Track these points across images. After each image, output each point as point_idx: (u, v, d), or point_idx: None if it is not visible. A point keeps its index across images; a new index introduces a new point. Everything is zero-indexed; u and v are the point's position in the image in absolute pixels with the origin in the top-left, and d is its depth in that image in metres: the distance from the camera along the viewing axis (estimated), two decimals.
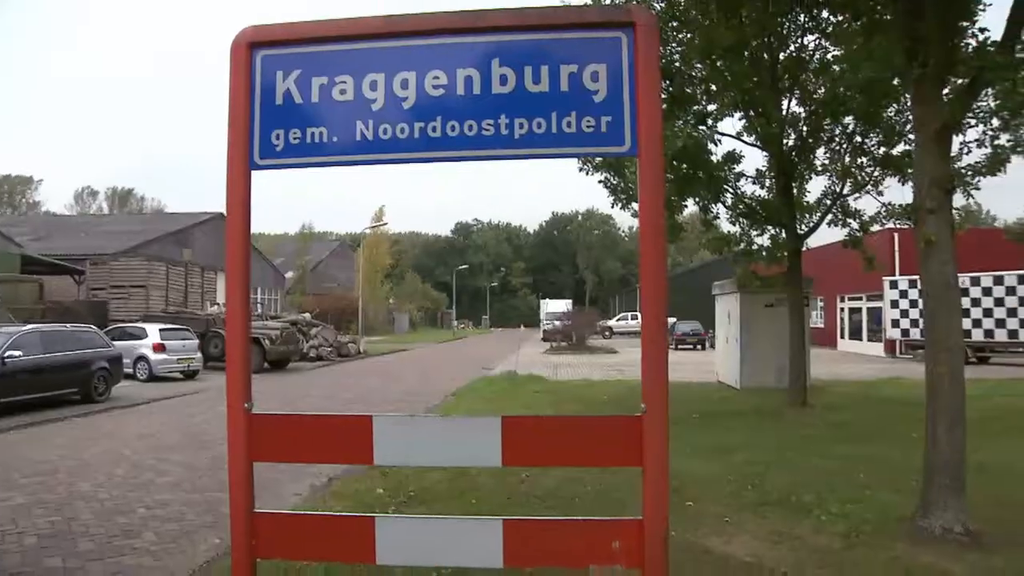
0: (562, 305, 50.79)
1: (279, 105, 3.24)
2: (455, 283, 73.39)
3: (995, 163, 8.26)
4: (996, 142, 9.72)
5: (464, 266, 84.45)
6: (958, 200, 11.77)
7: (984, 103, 10.94)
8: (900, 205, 13.45)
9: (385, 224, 58.68)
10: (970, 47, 6.22)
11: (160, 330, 20.18)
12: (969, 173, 10.10)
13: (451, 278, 74.56)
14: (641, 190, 3.08)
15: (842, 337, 35.74)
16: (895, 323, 27.90)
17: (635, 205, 14.37)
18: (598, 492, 7.06)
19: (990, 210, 60.74)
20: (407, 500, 6.85)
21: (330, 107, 3.22)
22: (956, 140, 8.41)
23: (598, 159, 13.17)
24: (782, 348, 14.51)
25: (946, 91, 6.37)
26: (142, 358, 19.60)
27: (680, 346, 37.39)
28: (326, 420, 3.37)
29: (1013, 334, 23.64)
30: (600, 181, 13.92)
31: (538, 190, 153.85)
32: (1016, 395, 14.13)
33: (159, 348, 19.62)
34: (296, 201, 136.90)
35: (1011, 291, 23.61)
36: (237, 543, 3.29)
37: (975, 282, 23.96)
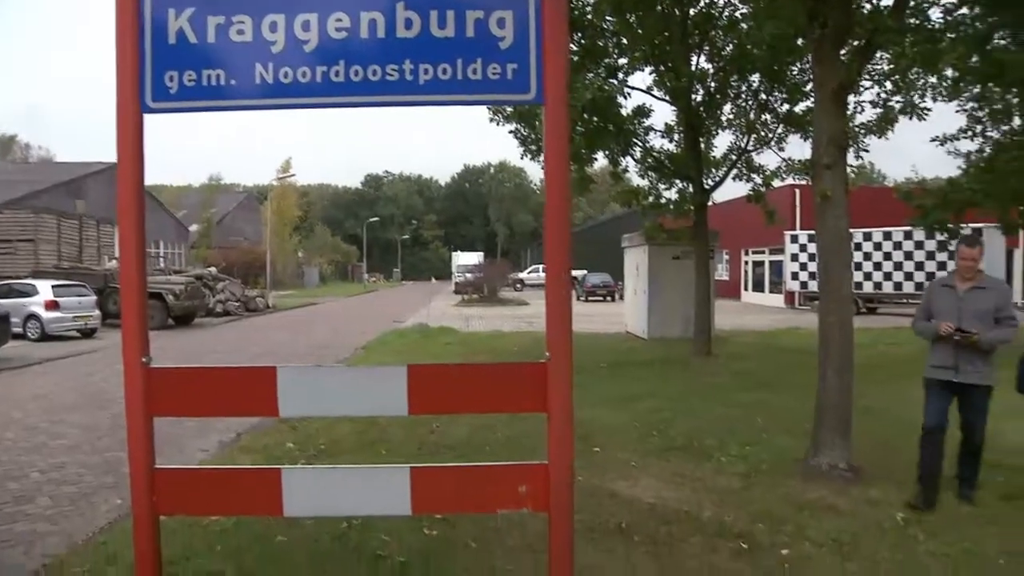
0: (474, 258, 50.82)
1: (172, 45, 3.07)
2: (366, 236, 72.17)
3: (885, 122, 8.71)
4: (888, 103, 10.21)
5: (375, 218, 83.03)
6: (853, 159, 12.36)
7: (880, 67, 11.41)
8: (799, 161, 13.98)
9: (293, 175, 56.96)
10: (866, 10, 6.45)
11: (53, 287, 19.08)
12: (862, 132, 10.56)
13: (361, 231, 73.25)
14: (546, 137, 3.09)
15: (746, 289, 37.17)
16: (795, 276, 29.16)
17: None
18: (508, 439, 7.20)
19: (881, 170, 63.75)
20: (317, 453, 6.81)
21: (227, 48, 3.07)
22: (851, 100, 8.79)
23: (509, 109, 13.10)
24: (688, 299, 14.99)
25: (844, 52, 6.60)
26: (33, 316, 18.51)
27: (590, 298, 38.03)
28: (228, 372, 3.27)
29: (899, 286, 25.13)
30: (511, 132, 13.89)
31: (450, 142, 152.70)
32: (899, 343, 15.05)
33: (52, 306, 18.56)
34: (201, 153, 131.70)
35: (898, 246, 25.03)
36: (138, 501, 3.21)
37: (867, 237, 25.27)
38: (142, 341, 3.18)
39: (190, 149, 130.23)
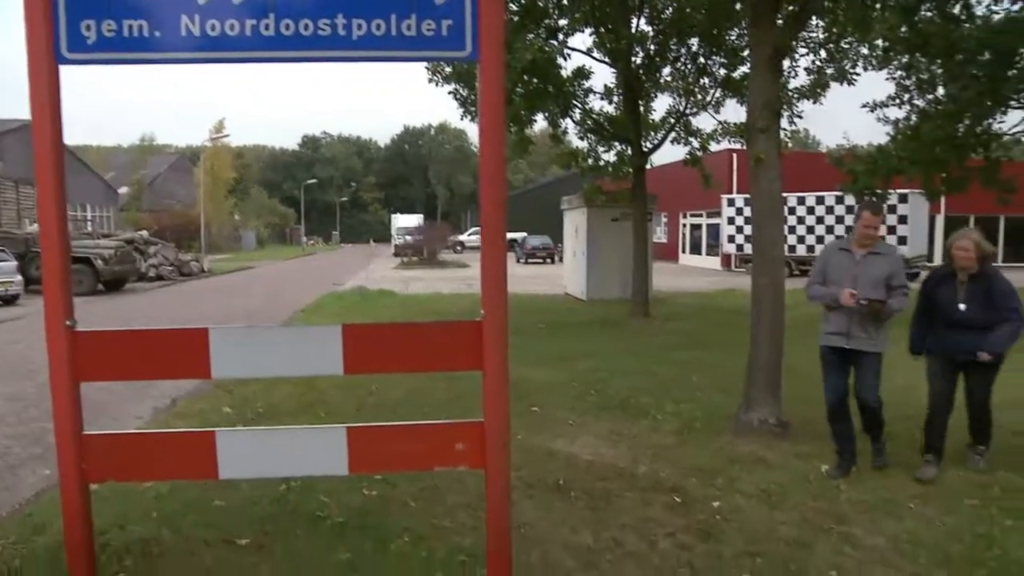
0: (414, 220, 50.40)
1: None
2: (304, 198, 70.74)
3: (817, 87, 8.90)
4: (821, 70, 10.42)
5: (313, 180, 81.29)
6: (787, 124, 12.60)
7: (815, 35, 11.59)
8: (735, 124, 14.19)
9: (227, 136, 55.16)
10: None
11: None
12: (796, 96, 10.77)
13: (299, 193, 71.74)
14: (481, 94, 3.06)
15: (683, 252, 37.82)
16: (731, 239, 29.79)
17: None
18: (447, 400, 7.24)
19: (816, 136, 65.20)
20: (255, 417, 6.74)
21: None
22: (786, 64, 8.93)
23: (448, 70, 12.93)
24: (626, 261, 15.18)
25: (780, 17, 6.69)
26: None
27: (530, 260, 38.17)
28: (158, 335, 3.20)
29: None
30: (450, 92, 13.72)
31: (389, 103, 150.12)
32: None
33: None
34: (130, 113, 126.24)
35: (830, 211, 25.75)
36: (66, 469, 3.12)
37: (800, 201, 25.93)
38: (66, 304, 3.07)
39: (118, 109, 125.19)
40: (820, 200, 25.76)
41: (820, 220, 26.01)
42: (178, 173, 60.74)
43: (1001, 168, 15.73)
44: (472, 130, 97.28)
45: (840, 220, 25.60)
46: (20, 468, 5.74)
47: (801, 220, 26.20)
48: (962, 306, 5.05)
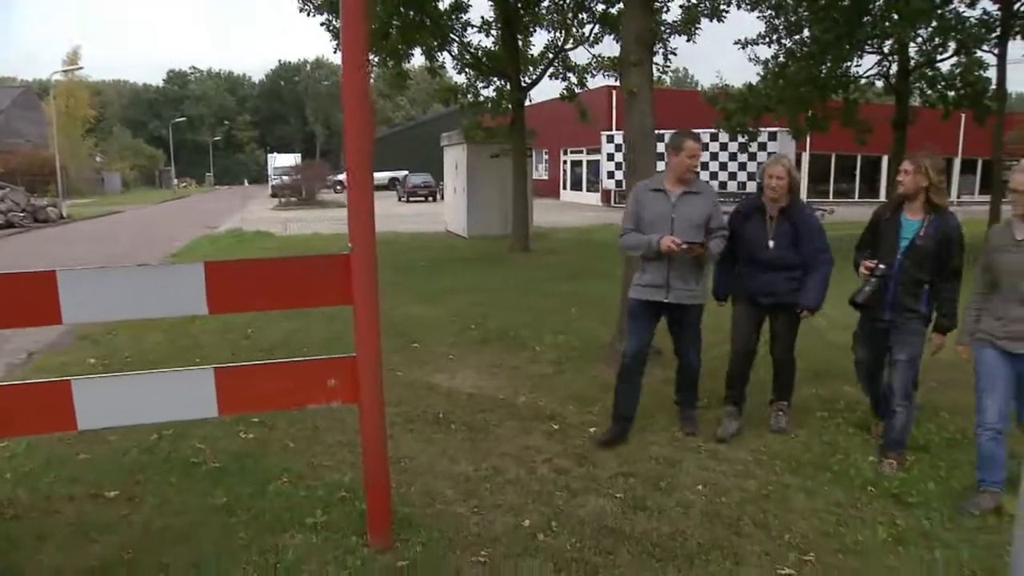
0: (291, 159, 48.47)
1: None
2: (172, 138, 66.53)
3: (689, 22, 9.08)
4: (694, 5, 10.63)
5: (182, 119, 76.48)
6: (661, 60, 12.82)
7: None
8: (608, 58, 14.33)
9: (81, 68, 50.90)
10: None
11: None
12: (668, 32, 10.97)
13: (168, 132, 67.41)
14: (343, 20, 2.96)
15: (564, 188, 38.31)
16: (610, 175, 30.30)
17: None
18: (325, 340, 7.17)
19: (695, 76, 67.04)
20: (123, 367, 6.42)
21: None
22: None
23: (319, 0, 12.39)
24: (507, 198, 15.27)
25: None
26: None
27: (411, 198, 37.70)
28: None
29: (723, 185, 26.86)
30: (322, 24, 13.18)
31: (262, 37, 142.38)
32: None
33: None
34: None
35: (704, 147, 26.60)
36: None
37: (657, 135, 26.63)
38: None
39: None
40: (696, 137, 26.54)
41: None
42: (24, 110, 55.51)
43: (859, 109, 16.75)
44: None
45: (714, 157, 26.52)
46: None
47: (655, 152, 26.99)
48: (771, 243, 4.60)
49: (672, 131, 4.76)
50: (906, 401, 4.24)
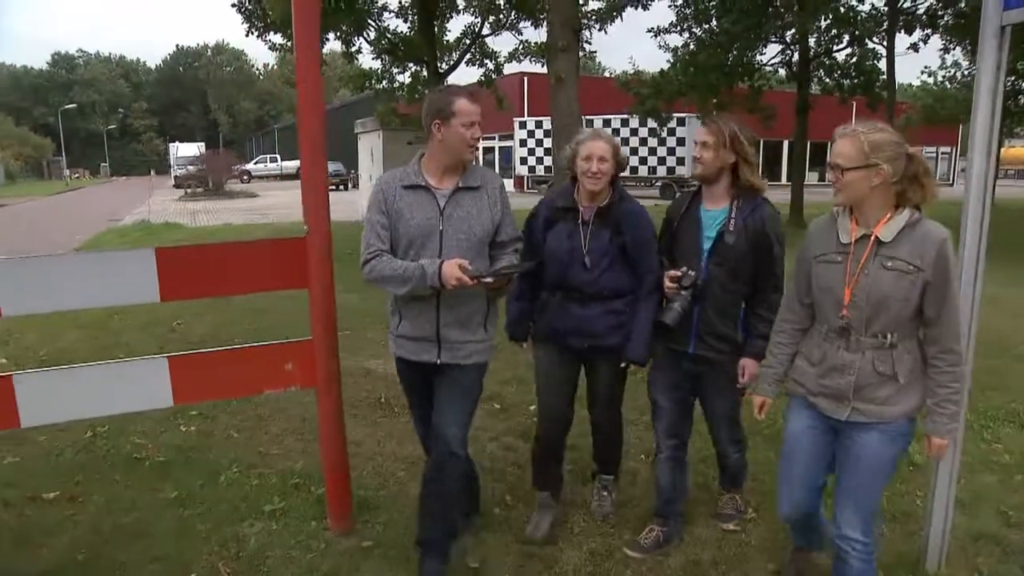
0: (194, 149, 46.74)
1: None
2: (62, 126, 63.00)
3: (611, 10, 9.29)
4: None
5: (71, 105, 72.45)
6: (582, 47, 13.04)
7: None
8: (535, 43, 14.47)
9: None
10: None
11: None
12: (594, 19, 11.19)
13: (56, 120, 63.79)
14: (296, 10, 2.93)
15: None
16: (523, 160, 30.63)
17: (273, 36, 13.53)
18: (256, 331, 7.01)
19: (603, 63, 68.46)
20: (40, 365, 6.12)
21: None
22: None
23: None
24: None
25: None
26: None
27: None
28: None
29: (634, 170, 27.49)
30: (233, 5, 12.78)
31: (157, 19, 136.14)
32: None
33: None
34: None
35: (616, 132, 27.20)
36: None
37: (588, 124, 27.10)
38: None
39: None
40: (607, 123, 27.08)
41: (625, 142, 27.40)
42: None
43: (763, 96, 17.55)
44: (255, 52, 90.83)
45: (625, 142, 27.13)
46: None
47: None
48: (587, 260, 3.11)
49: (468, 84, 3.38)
50: (738, 446, 3.40)
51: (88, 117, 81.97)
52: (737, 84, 17.08)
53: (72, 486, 3.80)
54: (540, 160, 29.34)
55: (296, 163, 43.01)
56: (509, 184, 33.64)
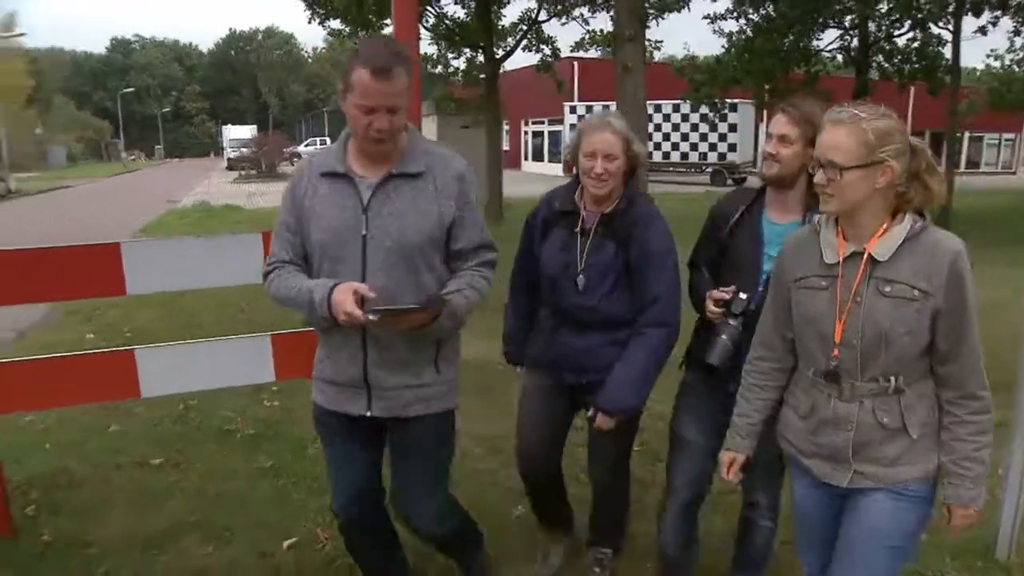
0: (246, 131, 47.60)
1: None
2: (121, 109, 64.60)
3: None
4: None
5: (129, 89, 74.21)
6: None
7: None
8: (601, 31, 14.48)
9: (22, 34, 48.87)
10: None
11: None
12: (659, 8, 11.20)
13: (114, 104, 65.38)
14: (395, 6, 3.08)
15: (526, 159, 38.44)
16: None
17: (334, 22, 13.77)
18: None
19: (657, 49, 67.73)
20: (126, 342, 6.45)
21: None
22: None
23: None
24: (478, 168, 15.30)
25: None
26: None
27: None
28: (63, 253, 3.03)
29: (667, 156, 27.30)
30: None
31: (209, 3, 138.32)
32: (679, 202, 16.64)
33: None
34: None
35: (667, 118, 27.04)
36: None
37: (658, 109, 26.95)
38: None
39: None
40: (658, 108, 26.89)
41: (658, 128, 27.22)
42: None
43: (820, 81, 17.29)
44: (304, 36, 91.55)
45: (676, 128, 26.92)
46: None
47: (658, 128, 27.31)
48: (580, 280, 2.55)
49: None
50: (773, 513, 2.62)
51: (143, 100, 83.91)
52: (793, 70, 16.86)
53: (174, 454, 4.07)
54: None
55: None
56: (556, 168, 33.65)
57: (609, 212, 2.53)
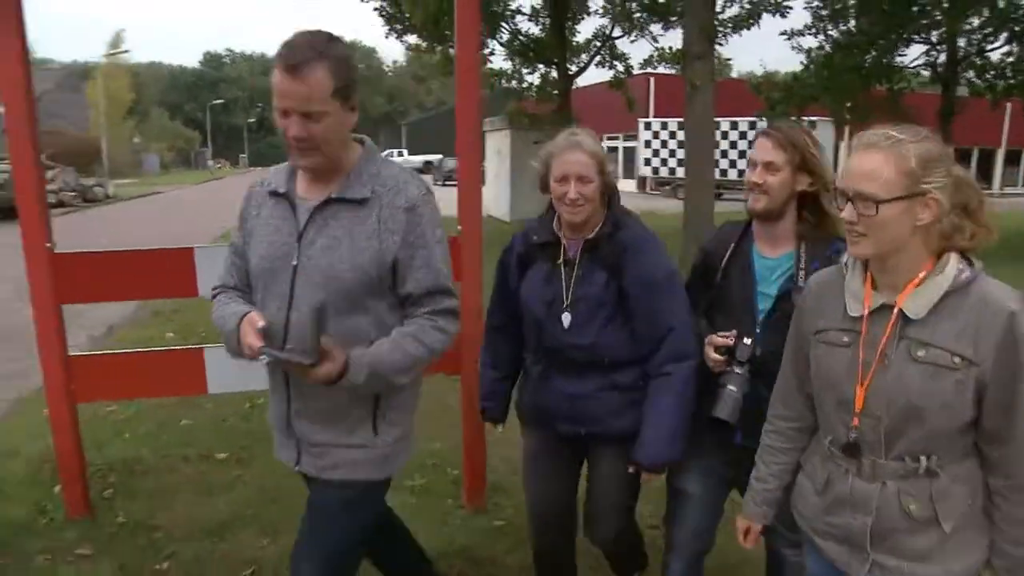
0: None
1: None
2: (210, 120, 67.47)
3: (747, 17, 9.22)
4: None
5: (218, 101, 77.56)
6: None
7: None
8: (669, 49, 14.45)
9: (127, 52, 51.69)
10: None
11: None
12: (730, 25, 11.10)
13: (204, 115, 68.41)
14: (458, 21, 3.19)
15: None
16: (647, 162, 30.38)
17: (410, 37, 14.13)
18: None
19: (729, 62, 66.87)
20: (201, 341, 6.75)
21: None
22: None
23: None
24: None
25: None
26: None
27: (447, 182, 37.90)
28: (141, 255, 3.26)
29: (742, 173, 26.80)
30: (375, 9, 13.50)
31: (295, 19, 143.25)
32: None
33: None
34: None
35: (743, 136, 26.59)
36: (54, 391, 3.22)
37: (734, 126, 26.62)
38: (43, 225, 3.12)
39: None
40: (734, 125, 26.50)
41: (733, 145, 26.82)
42: (66, 92, 56.61)
43: (903, 98, 16.70)
44: (384, 49, 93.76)
45: (751, 145, 26.41)
46: None
47: (715, 144, 26.95)
48: (565, 317, 2.26)
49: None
50: (798, 549, 2.06)
51: (231, 111, 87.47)
52: (875, 87, 16.35)
53: (238, 449, 4.27)
54: (664, 162, 29.05)
55: (421, 158, 44.42)
56: (631, 185, 33.50)
57: (593, 238, 2.25)
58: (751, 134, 26.50)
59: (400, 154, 52.76)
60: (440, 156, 41.24)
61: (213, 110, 71.37)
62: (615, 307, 2.23)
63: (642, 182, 32.24)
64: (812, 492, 1.72)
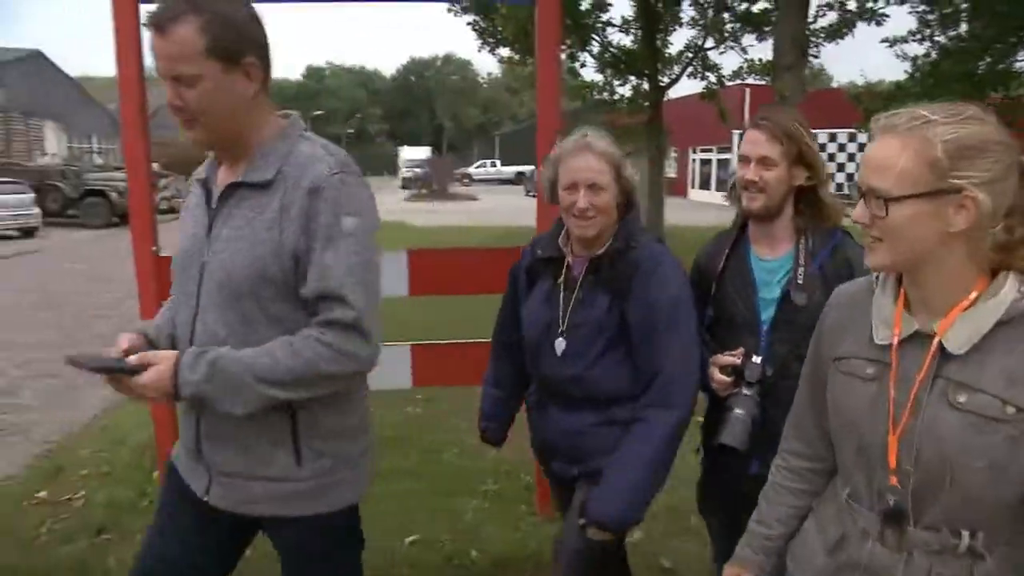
0: (421, 152, 50.17)
1: None
2: (310, 130, 70.06)
3: (843, 26, 8.95)
4: (845, 7, 10.42)
5: (319, 112, 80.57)
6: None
7: None
8: (759, 60, 14.16)
9: None
10: None
11: None
12: (822, 35, 10.81)
13: (306, 125, 70.97)
14: (539, 33, 3.26)
15: (692, 187, 37.82)
16: None
17: (502, 50, 14.33)
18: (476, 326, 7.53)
19: (828, 71, 64.80)
20: None
21: None
22: (813, 2, 9.02)
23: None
24: (640, 196, 15.33)
25: None
26: None
27: (531, 193, 38.15)
28: None
29: (840, 187, 25.88)
30: (469, 24, 13.73)
31: (393, 33, 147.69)
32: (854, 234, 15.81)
33: None
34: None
35: (842, 148, 25.70)
36: None
37: (832, 138, 25.83)
38: (150, 230, 3.35)
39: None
40: (832, 137, 25.65)
41: (832, 157, 25.95)
42: None
43: (1021, 106, 15.77)
44: (479, 61, 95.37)
45: (852, 158, 25.53)
46: (78, 390, 5.88)
47: None
48: (560, 343, 2.03)
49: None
50: None
51: (330, 122, 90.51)
52: (988, 94, 15.49)
53: None
54: None
55: (513, 169, 44.82)
56: (717, 197, 32.91)
57: (598, 256, 1.98)
58: (851, 146, 25.61)
59: (493, 164, 53.52)
60: (532, 167, 41.59)
61: (315, 121, 74.05)
62: (616, 335, 1.95)
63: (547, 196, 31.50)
64: (821, 549, 1.35)
